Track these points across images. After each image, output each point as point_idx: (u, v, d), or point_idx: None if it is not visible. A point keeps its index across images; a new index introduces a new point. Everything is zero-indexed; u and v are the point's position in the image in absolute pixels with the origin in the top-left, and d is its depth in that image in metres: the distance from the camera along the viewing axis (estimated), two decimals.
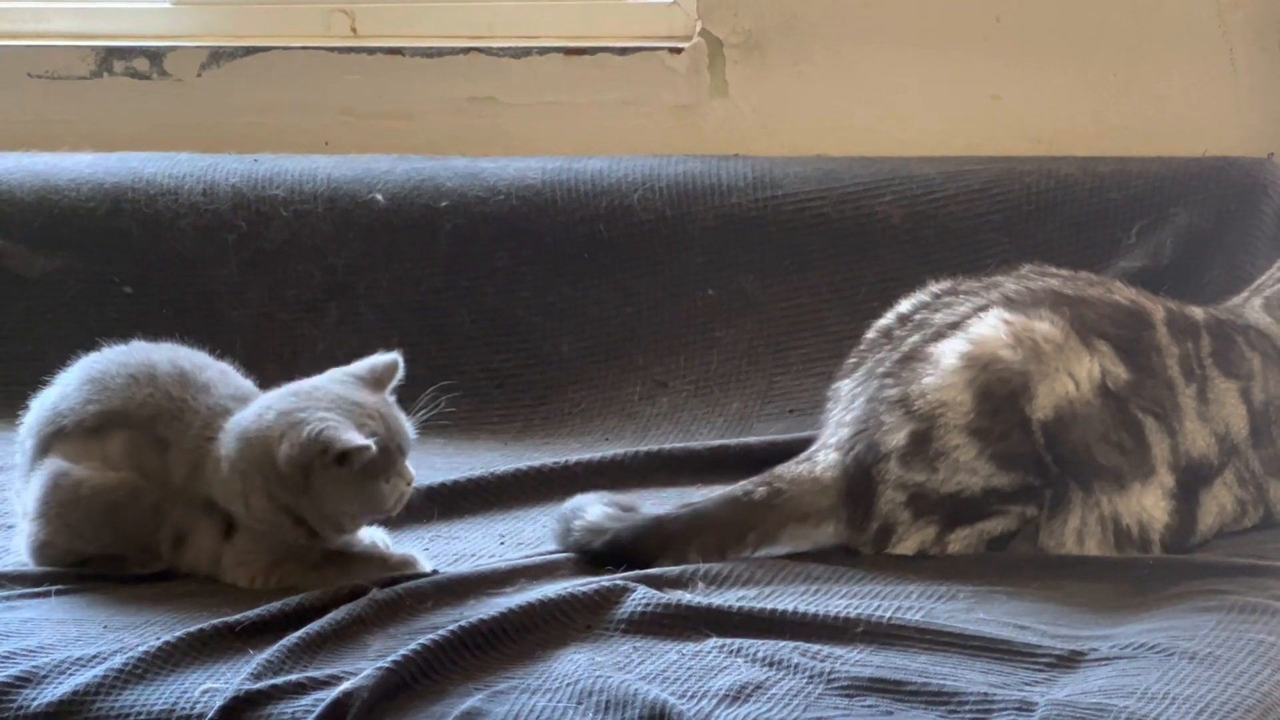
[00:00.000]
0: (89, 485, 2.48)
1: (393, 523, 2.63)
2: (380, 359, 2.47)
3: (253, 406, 2.44)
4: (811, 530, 2.50)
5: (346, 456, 2.33)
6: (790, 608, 2.29)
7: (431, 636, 2.22)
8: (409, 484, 2.41)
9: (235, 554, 2.45)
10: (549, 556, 2.49)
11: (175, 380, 2.50)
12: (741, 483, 2.52)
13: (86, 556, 2.51)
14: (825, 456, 2.52)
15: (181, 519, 2.46)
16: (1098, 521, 2.47)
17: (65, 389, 2.55)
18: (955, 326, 2.52)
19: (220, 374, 2.54)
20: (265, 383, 2.54)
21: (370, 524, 2.48)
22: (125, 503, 2.47)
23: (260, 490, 2.39)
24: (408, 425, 2.43)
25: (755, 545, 2.48)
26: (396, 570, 2.44)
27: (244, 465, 2.39)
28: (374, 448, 2.33)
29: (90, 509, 2.48)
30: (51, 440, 2.53)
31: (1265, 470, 2.56)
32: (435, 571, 2.45)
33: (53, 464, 2.51)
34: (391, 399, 2.45)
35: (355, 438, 2.33)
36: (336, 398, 2.40)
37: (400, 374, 2.46)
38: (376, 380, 2.45)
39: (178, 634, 2.29)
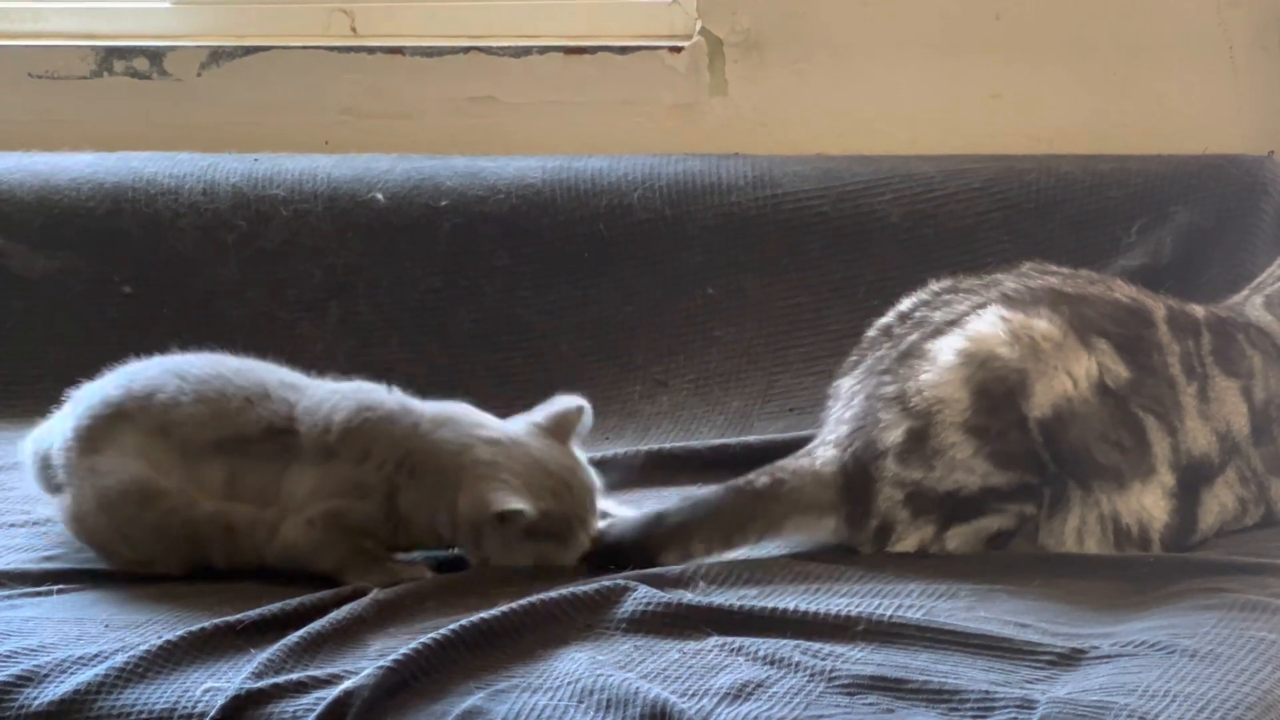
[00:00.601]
0: (180, 515, 2.46)
1: None
2: (565, 405, 2.48)
3: (452, 424, 2.44)
4: (815, 521, 2.49)
5: (507, 519, 2.36)
6: (791, 606, 2.29)
7: (432, 635, 2.22)
8: (591, 538, 2.45)
9: (309, 512, 2.45)
10: None
11: (278, 384, 2.50)
12: (744, 476, 2.53)
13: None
14: (824, 452, 2.52)
15: (274, 516, 2.45)
16: (1097, 520, 2.47)
17: (177, 393, 2.51)
18: (954, 324, 2.52)
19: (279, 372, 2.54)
20: None
21: None
22: (215, 536, 2.47)
23: (442, 515, 2.42)
24: (594, 480, 2.46)
25: (759, 535, 2.48)
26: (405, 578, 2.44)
27: (431, 485, 2.42)
28: (531, 513, 2.36)
29: (174, 538, 2.47)
30: (122, 421, 2.50)
31: (1266, 468, 2.56)
32: (434, 572, 2.46)
33: (133, 467, 2.48)
34: (578, 449, 2.47)
35: (513, 501, 2.36)
36: (528, 460, 2.41)
37: (589, 422, 2.49)
38: (560, 430, 2.46)
39: (179, 633, 2.29)
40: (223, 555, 2.47)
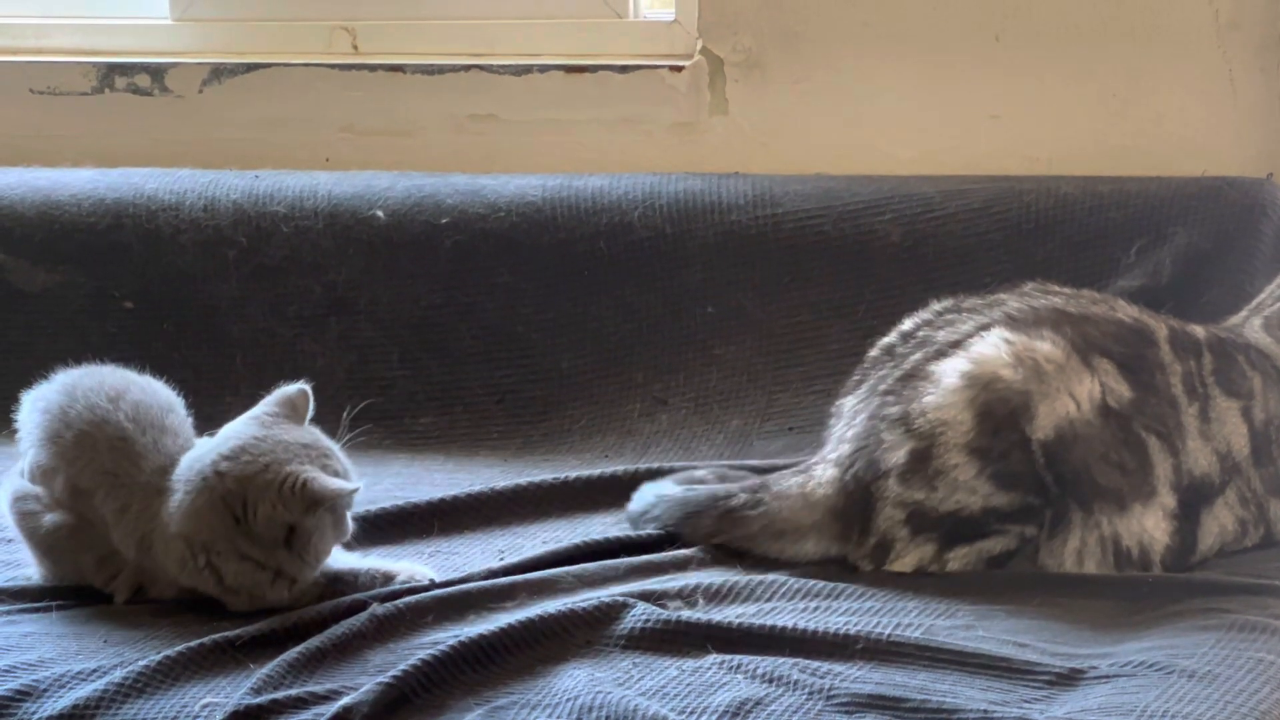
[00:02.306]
0: (34, 518, 2.49)
1: (394, 539, 2.64)
2: (291, 389, 2.46)
3: (187, 476, 2.39)
4: (789, 546, 2.51)
5: (336, 503, 2.35)
6: (790, 624, 2.29)
7: (431, 651, 2.23)
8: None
9: (241, 602, 2.45)
10: (549, 572, 2.49)
11: (111, 447, 2.46)
12: (736, 484, 2.55)
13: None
14: (823, 471, 2.52)
15: (138, 574, 2.47)
16: (1098, 542, 2.47)
17: (34, 415, 2.54)
18: (957, 345, 2.52)
19: (154, 440, 2.48)
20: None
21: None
22: (64, 547, 2.48)
23: (233, 555, 2.38)
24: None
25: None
26: (402, 583, 2.44)
27: (207, 536, 2.37)
28: (360, 487, 2.35)
29: (39, 539, 2.50)
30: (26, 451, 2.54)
31: (1266, 490, 2.57)
32: (432, 582, 2.46)
33: (17, 483, 2.52)
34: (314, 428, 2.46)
35: (340, 484, 2.34)
36: (289, 443, 2.38)
37: (311, 403, 2.46)
38: (296, 414, 2.44)
39: (178, 648, 2.29)
40: (101, 573, 2.50)
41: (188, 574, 2.40)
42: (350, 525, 2.42)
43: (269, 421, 2.42)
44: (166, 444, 2.47)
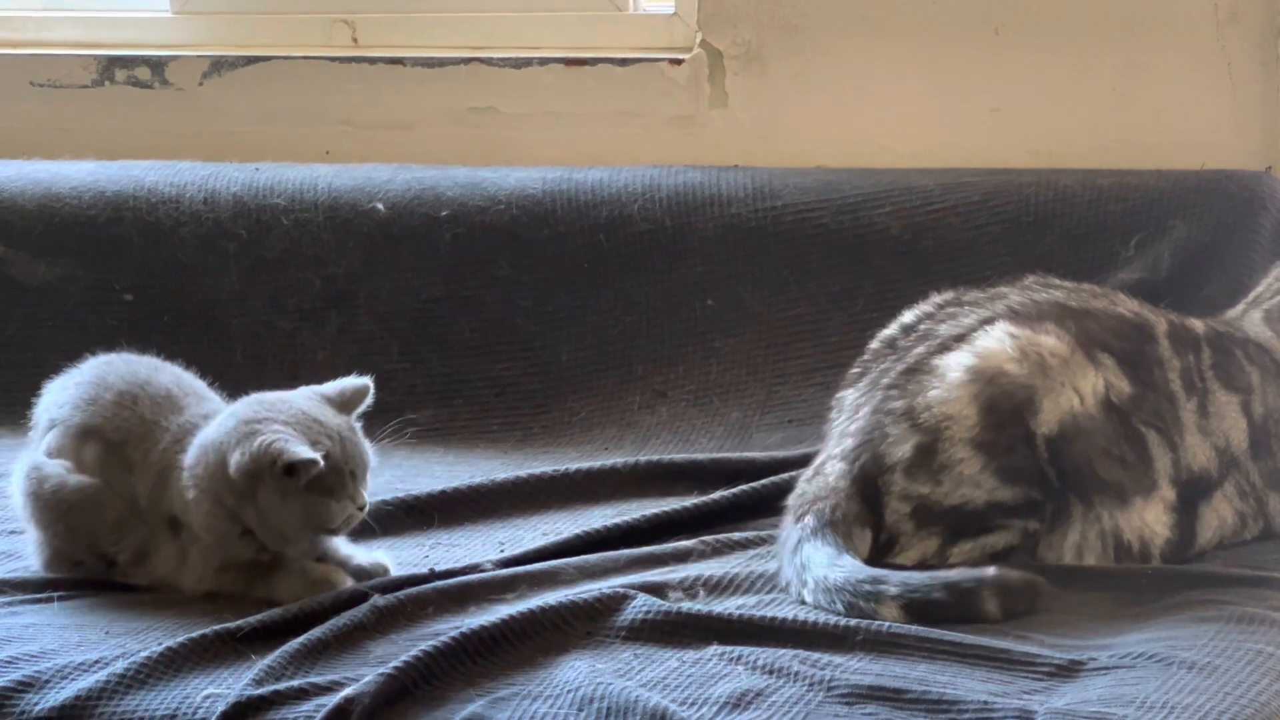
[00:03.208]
0: (54, 482, 2.50)
1: (393, 530, 2.65)
2: (352, 382, 2.49)
3: (218, 416, 2.47)
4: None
5: (294, 469, 2.35)
6: (790, 615, 2.30)
7: (432, 643, 2.23)
8: (360, 508, 2.43)
9: (189, 560, 2.46)
10: (550, 563, 2.50)
11: (154, 403, 2.52)
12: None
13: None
14: (834, 467, 2.52)
15: (146, 538, 2.48)
16: (1098, 536, 2.47)
17: (66, 390, 2.58)
18: (961, 339, 2.51)
19: (196, 401, 2.55)
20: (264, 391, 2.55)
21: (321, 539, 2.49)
22: (86, 506, 2.49)
23: (210, 495, 2.41)
24: (368, 451, 2.45)
25: None
26: (364, 577, 2.45)
27: (199, 470, 2.42)
28: (321, 464, 2.36)
29: (51, 504, 2.51)
30: (47, 430, 2.56)
31: (1265, 483, 2.57)
32: (432, 571, 2.46)
33: (31, 457, 2.54)
34: (358, 424, 2.47)
35: (304, 451, 2.35)
36: (298, 412, 2.42)
37: (370, 400, 2.48)
38: (344, 402, 2.47)
39: (180, 639, 2.30)
40: (112, 536, 2.52)
41: (184, 509, 2.43)
42: (333, 519, 2.41)
43: (309, 395, 2.46)
44: (208, 405, 2.53)
